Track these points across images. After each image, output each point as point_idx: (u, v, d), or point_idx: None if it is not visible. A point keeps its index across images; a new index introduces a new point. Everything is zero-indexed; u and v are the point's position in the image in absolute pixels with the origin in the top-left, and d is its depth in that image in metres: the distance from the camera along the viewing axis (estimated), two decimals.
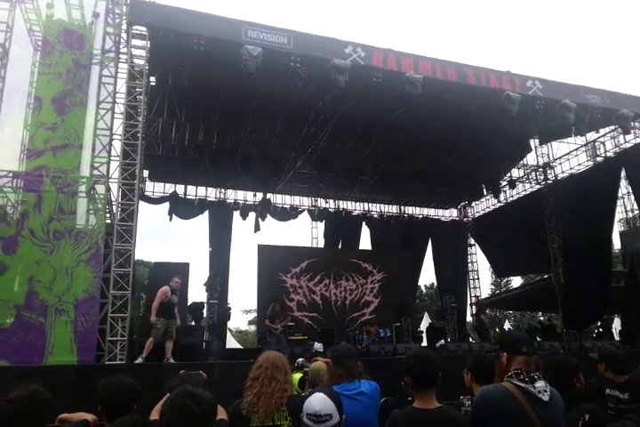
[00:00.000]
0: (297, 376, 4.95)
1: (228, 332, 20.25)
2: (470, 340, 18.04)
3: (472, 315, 22.30)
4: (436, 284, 22.86)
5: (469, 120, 13.78)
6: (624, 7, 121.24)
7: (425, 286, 37.15)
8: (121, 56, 10.13)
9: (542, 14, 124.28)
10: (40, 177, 8.77)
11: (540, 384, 2.55)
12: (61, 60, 9.43)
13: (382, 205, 21.74)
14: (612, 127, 15.93)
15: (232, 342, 22.99)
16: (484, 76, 12.37)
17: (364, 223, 21.37)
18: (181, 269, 14.57)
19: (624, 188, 17.78)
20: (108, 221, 9.65)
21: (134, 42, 10.39)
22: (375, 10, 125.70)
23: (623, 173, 16.48)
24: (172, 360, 9.34)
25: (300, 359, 6.35)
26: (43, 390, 2.51)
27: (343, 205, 20.93)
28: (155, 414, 2.84)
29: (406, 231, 21.55)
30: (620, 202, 18.07)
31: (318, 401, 2.45)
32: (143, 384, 3.14)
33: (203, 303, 13.93)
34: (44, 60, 9.48)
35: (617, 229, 18.66)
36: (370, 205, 21.50)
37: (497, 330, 13.69)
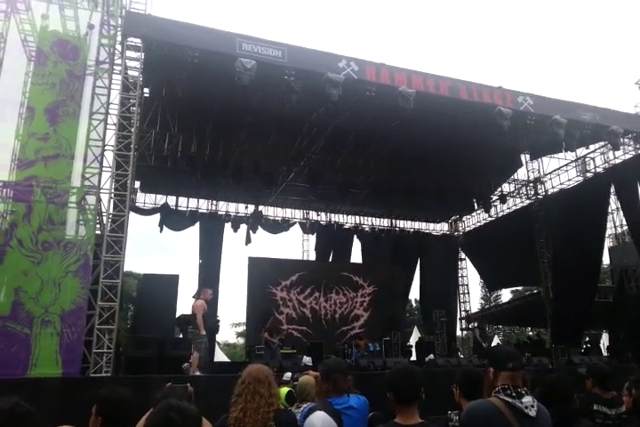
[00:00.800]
0: (284, 390, 4.89)
1: (216, 345, 20.06)
2: (459, 354, 17.99)
3: (461, 329, 22.29)
4: (424, 298, 22.79)
5: (461, 134, 13.87)
6: (612, 25, 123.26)
7: (415, 299, 37.15)
8: (115, 67, 10.18)
9: (533, 31, 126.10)
10: (30, 187, 8.71)
11: (528, 400, 2.53)
12: (55, 71, 9.43)
13: (374, 219, 21.80)
14: (602, 143, 16.08)
15: (220, 356, 22.75)
16: (476, 92, 12.50)
17: (355, 236, 21.37)
18: (171, 281, 14.54)
19: (613, 203, 17.94)
20: (98, 231, 9.61)
21: (129, 53, 10.44)
22: (369, 25, 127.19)
23: (613, 189, 16.65)
24: (197, 373, 9.26)
25: (289, 374, 6.24)
26: (24, 404, 2.45)
27: (335, 218, 20.95)
28: None
29: (397, 245, 21.56)
30: (609, 217, 18.22)
31: (320, 420, 2.41)
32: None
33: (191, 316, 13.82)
34: (38, 71, 9.48)
35: (606, 244, 18.80)
36: (361, 218, 21.55)
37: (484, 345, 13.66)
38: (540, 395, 3.38)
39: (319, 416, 2.49)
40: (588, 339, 18.86)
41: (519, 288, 34.16)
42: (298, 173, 16.72)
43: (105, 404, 2.74)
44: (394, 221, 22.11)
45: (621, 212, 17.40)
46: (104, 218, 9.71)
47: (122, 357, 10.09)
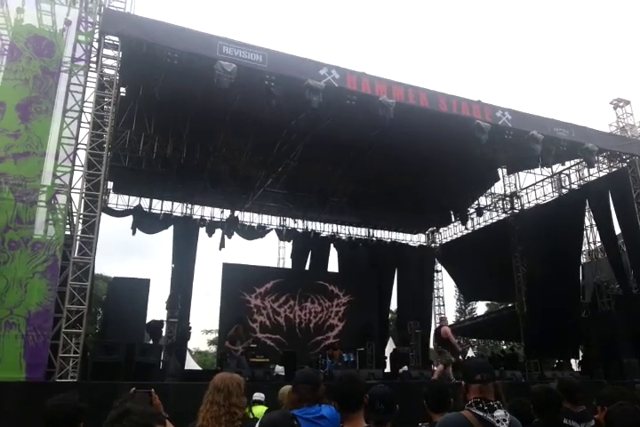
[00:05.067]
0: (261, 409, 4.82)
1: (187, 352, 19.75)
2: (433, 367, 17.92)
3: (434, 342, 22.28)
4: (396, 308, 22.81)
5: (440, 147, 13.92)
6: (588, 46, 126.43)
7: (391, 311, 37.06)
8: (91, 65, 10.00)
9: (512, 47, 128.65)
10: None
11: (500, 413, 2.52)
12: (29, 67, 9.21)
13: (351, 228, 21.72)
14: (577, 160, 16.35)
15: (191, 363, 22.41)
16: (455, 104, 12.58)
17: (332, 245, 21.28)
18: (142, 286, 14.28)
19: (587, 220, 18.19)
20: (68, 232, 9.36)
21: (106, 51, 10.26)
22: (350, 34, 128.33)
23: (587, 205, 16.90)
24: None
25: (261, 394, 5.80)
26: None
27: (312, 225, 20.80)
28: None
29: (374, 255, 21.55)
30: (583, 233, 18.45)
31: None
32: (95, 403, 3.08)
33: (162, 322, 13.58)
34: (10, 66, 9.24)
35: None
36: (338, 226, 21.46)
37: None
38: (521, 407, 3.44)
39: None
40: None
41: (495, 302, 34.40)
42: (276, 179, 16.59)
43: (44, 411, 2.71)
44: (371, 230, 22.08)
45: (595, 228, 17.67)
46: (74, 218, 9.45)
47: (89, 362, 9.82)
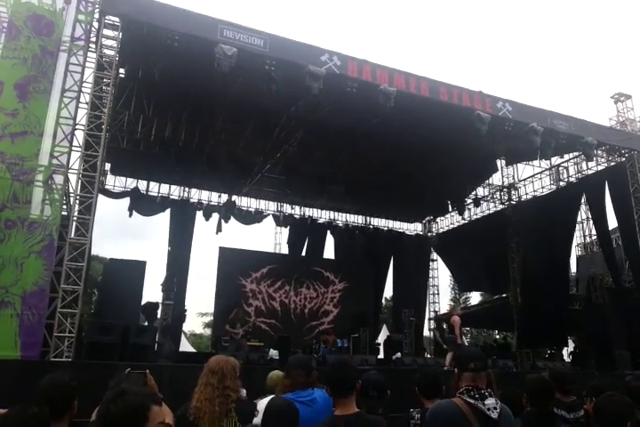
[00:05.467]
0: None
1: (182, 334, 19.85)
2: (427, 354, 18.09)
3: (430, 329, 22.44)
4: (392, 296, 22.91)
5: (439, 136, 13.89)
6: (589, 40, 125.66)
7: (385, 298, 37.33)
8: (91, 45, 9.90)
9: (515, 39, 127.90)
10: None
11: (491, 401, 2.54)
12: (27, 46, 9.10)
13: (348, 215, 21.73)
14: (576, 153, 16.34)
15: (186, 346, 22.52)
16: (456, 94, 12.52)
17: (328, 232, 21.31)
18: (138, 268, 14.31)
19: (584, 213, 18.25)
20: (65, 213, 9.33)
21: (106, 32, 10.14)
22: (353, 22, 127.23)
23: (584, 199, 16.93)
24: None
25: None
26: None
27: (309, 212, 20.82)
28: (94, 416, 2.75)
29: (371, 242, 21.60)
30: (579, 227, 18.53)
31: (263, 403, 2.92)
32: (90, 383, 3.13)
33: (157, 304, 13.63)
34: (9, 44, 9.12)
35: (574, 253, 19.13)
36: (336, 214, 21.47)
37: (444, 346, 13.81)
38: (512, 396, 3.51)
39: (264, 400, 2.83)
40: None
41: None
42: (274, 164, 16.53)
43: (37, 391, 2.75)
44: (368, 218, 22.10)
45: (591, 221, 17.72)
46: (71, 199, 9.44)
47: (84, 342, 9.87)
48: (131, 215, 17.18)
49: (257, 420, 2.90)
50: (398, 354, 14.32)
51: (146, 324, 12.98)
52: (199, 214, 18.25)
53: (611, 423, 2.66)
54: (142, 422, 1.79)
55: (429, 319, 22.46)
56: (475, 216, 20.65)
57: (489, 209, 20.17)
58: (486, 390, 2.59)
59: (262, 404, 3.01)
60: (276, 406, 2.94)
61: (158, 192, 17.96)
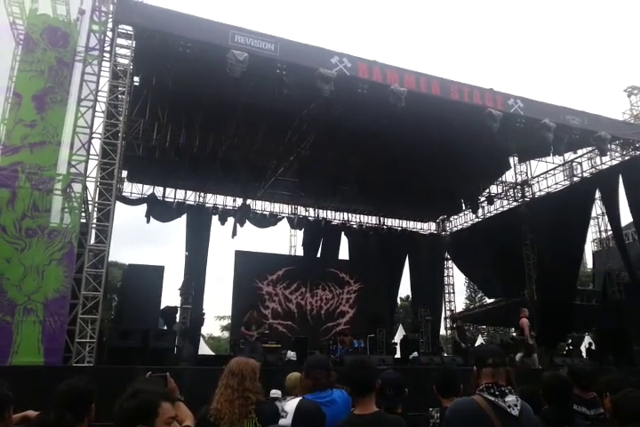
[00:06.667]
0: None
1: (201, 338, 20.01)
2: (443, 353, 18.04)
3: (446, 328, 22.40)
4: (410, 296, 22.87)
5: (451, 135, 13.87)
6: (602, 34, 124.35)
7: (400, 298, 37.23)
8: (105, 54, 10.04)
9: (526, 35, 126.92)
10: (15, 173, 8.57)
11: (511, 399, 2.53)
12: (44, 58, 9.25)
13: (362, 216, 21.77)
14: (590, 148, 16.18)
15: (204, 349, 22.70)
16: (467, 93, 12.50)
17: (342, 233, 21.35)
18: (156, 273, 14.41)
19: (598, 208, 18.09)
20: (83, 220, 9.48)
21: (119, 41, 10.31)
22: (362, 23, 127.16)
23: (598, 194, 16.79)
24: None
25: (277, 391, 5.72)
26: (3, 387, 2.54)
27: (323, 214, 20.89)
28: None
29: (385, 243, 21.57)
30: (594, 222, 18.39)
31: (293, 404, 2.92)
32: (111, 388, 3.09)
33: (176, 308, 13.77)
34: (26, 57, 9.30)
35: (590, 248, 18.98)
36: (349, 215, 21.51)
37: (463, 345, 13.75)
38: (532, 394, 3.48)
39: (292, 402, 2.82)
40: (570, 341, 19.01)
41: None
42: (287, 167, 16.61)
43: (57, 393, 2.86)
44: (382, 218, 22.10)
45: (606, 217, 17.57)
46: (90, 206, 9.57)
47: (105, 347, 10.02)
48: (148, 221, 17.41)
49: (285, 421, 2.92)
50: (415, 353, 14.33)
51: (165, 328, 13.14)
52: (215, 219, 18.39)
53: (630, 420, 2.66)
54: (152, 418, 1.92)
55: (445, 318, 22.41)
56: (488, 214, 20.54)
57: (502, 206, 20.03)
58: (506, 387, 2.58)
59: (290, 405, 3.03)
60: (305, 408, 2.97)
61: (174, 198, 18.14)
